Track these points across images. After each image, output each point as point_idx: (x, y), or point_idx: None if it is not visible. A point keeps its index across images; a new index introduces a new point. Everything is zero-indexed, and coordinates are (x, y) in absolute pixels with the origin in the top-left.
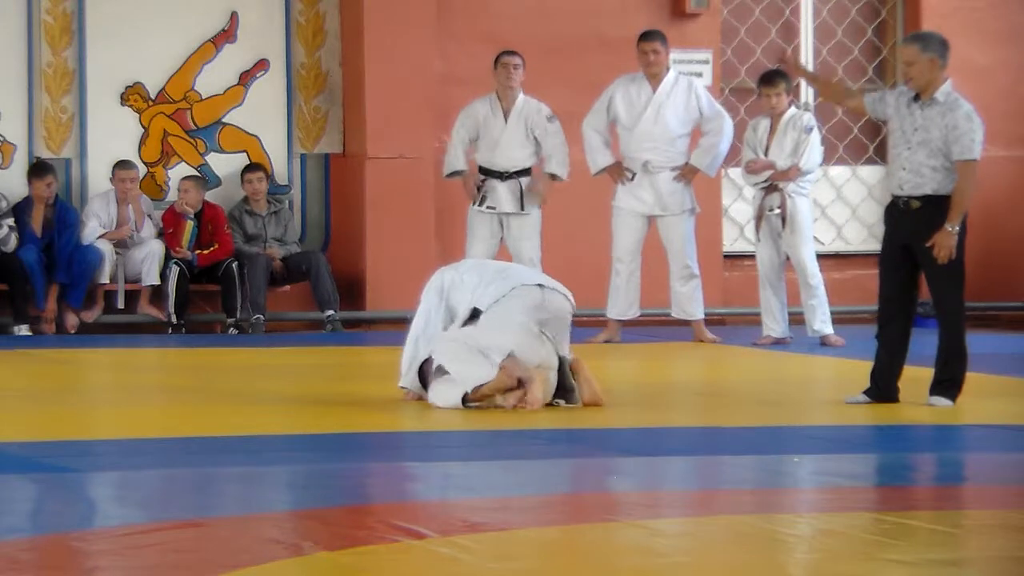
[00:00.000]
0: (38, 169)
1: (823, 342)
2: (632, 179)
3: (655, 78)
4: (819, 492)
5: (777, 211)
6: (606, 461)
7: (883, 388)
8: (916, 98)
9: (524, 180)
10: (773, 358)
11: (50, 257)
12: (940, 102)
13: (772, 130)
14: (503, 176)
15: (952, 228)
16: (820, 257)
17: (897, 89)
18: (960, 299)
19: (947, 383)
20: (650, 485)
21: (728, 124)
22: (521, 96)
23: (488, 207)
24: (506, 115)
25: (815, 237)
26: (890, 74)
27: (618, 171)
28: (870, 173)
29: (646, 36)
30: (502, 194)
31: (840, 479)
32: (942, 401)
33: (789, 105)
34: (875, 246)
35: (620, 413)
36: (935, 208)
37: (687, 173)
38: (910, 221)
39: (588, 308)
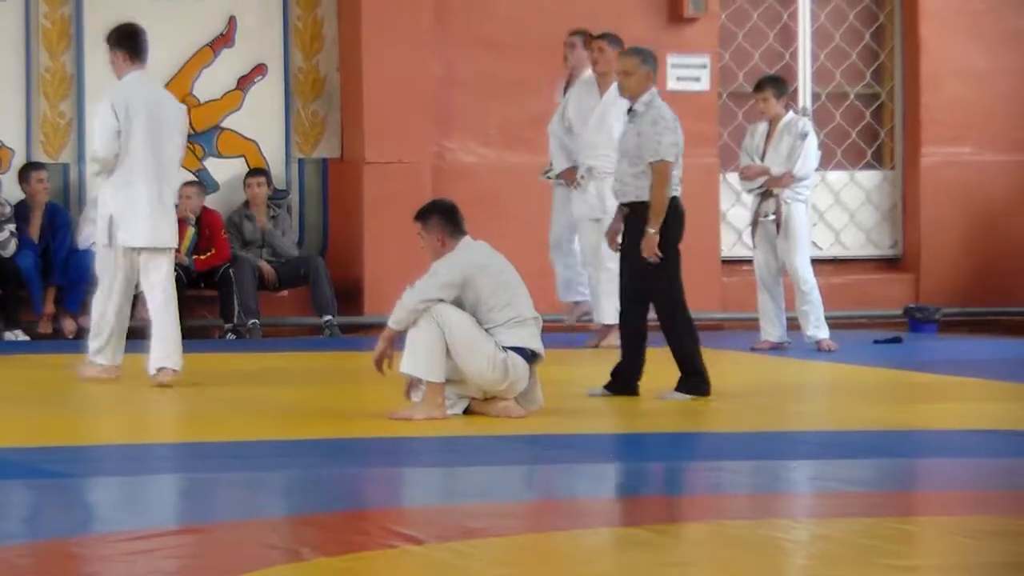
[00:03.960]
0: (30, 166)
1: (817, 347)
2: (581, 184)
3: (604, 79)
4: (817, 497)
5: (772, 216)
6: (603, 467)
7: (624, 382)
8: (629, 111)
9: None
10: (769, 363)
11: (47, 261)
12: (639, 112)
13: (769, 135)
14: None
15: (651, 230)
16: (818, 262)
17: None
18: (673, 293)
19: (688, 375)
20: (646, 490)
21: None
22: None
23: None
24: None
25: (813, 242)
26: (888, 78)
27: (571, 176)
28: (868, 178)
29: (597, 36)
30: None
31: (838, 484)
32: (678, 396)
33: (787, 110)
34: (873, 251)
35: (616, 419)
36: (639, 213)
37: None
38: (626, 227)
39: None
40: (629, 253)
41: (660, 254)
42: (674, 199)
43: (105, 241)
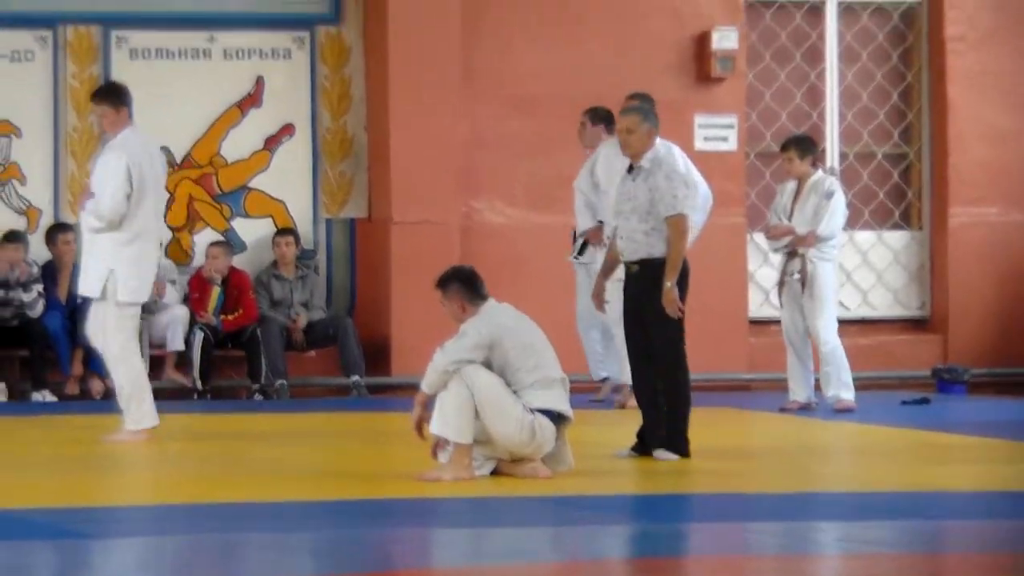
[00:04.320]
0: (58, 227)
1: (835, 407)
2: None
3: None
4: (844, 559)
5: (797, 276)
6: (630, 528)
7: (646, 442)
8: (629, 170)
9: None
10: (796, 423)
11: (74, 322)
12: (646, 168)
13: (797, 194)
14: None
15: (669, 284)
16: (845, 322)
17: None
18: (676, 349)
19: (672, 435)
20: (674, 552)
21: (703, 196)
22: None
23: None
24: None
25: (840, 302)
26: (915, 139)
27: (597, 235)
28: (896, 238)
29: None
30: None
31: (865, 545)
32: (667, 455)
33: (815, 170)
34: (901, 312)
35: (643, 479)
36: (651, 270)
37: None
38: (633, 285)
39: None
40: (638, 311)
41: (682, 308)
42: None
43: (98, 295)
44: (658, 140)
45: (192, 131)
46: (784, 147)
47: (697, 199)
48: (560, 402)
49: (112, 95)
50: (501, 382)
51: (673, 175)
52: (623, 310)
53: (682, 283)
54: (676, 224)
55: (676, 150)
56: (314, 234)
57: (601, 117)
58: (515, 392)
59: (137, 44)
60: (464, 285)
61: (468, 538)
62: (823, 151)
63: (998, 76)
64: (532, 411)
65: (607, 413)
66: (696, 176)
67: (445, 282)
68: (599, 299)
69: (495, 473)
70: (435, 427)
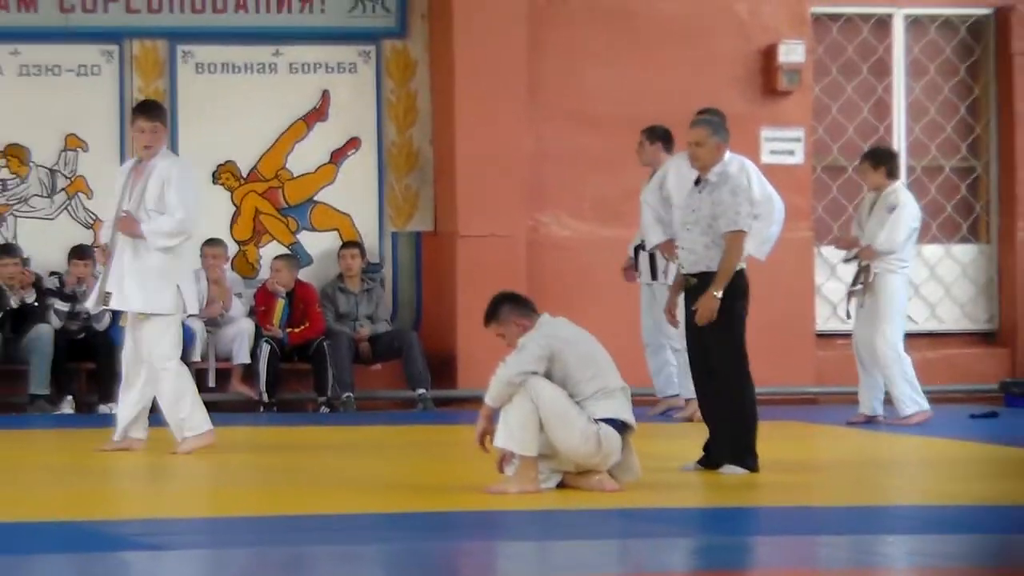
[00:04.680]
0: None
1: (893, 422)
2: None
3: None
4: (914, 572)
5: (860, 286)
6: (697, 540)
7: (712, 456)
8: (697, 182)
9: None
10: (864, 437)
11: None
12: (712, 182)
13: (872, 205)
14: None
15: (716, 293)
16: (914, 336)
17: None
18: (738, 363)
19: (738, 450)
20: (742, 565)
21: (778, 209)
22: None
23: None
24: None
25: (909, 316)
26: (983, 152)
27: (669, 248)
28: (964, 252)
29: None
30: (643, 266)
31: (935, 560)
32: (735, 470)
33: (892, 181)
34: (969, 325)
35: (709, 492)
36: (709, 284)
37: None
38: (692, 298)
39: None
40: (697, 326)
41: (715, 319)
42: (742, 271)
43: (172, 311)
44: (731, 155)
45: (258, 145)
46: (860, 159)
47: (772, 212)
48: (623, 411)
49: (162, 112)
50: (564, 394)
51: (739, 191)
52: (685, 324)
53: (742, 298)
54: (733, 240)
55: (749, 165)
56: (380, 247)
57: (659, 136)
58: (577, 403)
59: (203, 59)
60: (514, 304)
61: (534, 551)
62: (896, 163)
63: None
64: (596, 421)
65: (673, 426)
66: (770, 189)
67: (494, 310)
68: (671, 314)
69: (561, 486)
70: (500, 440)
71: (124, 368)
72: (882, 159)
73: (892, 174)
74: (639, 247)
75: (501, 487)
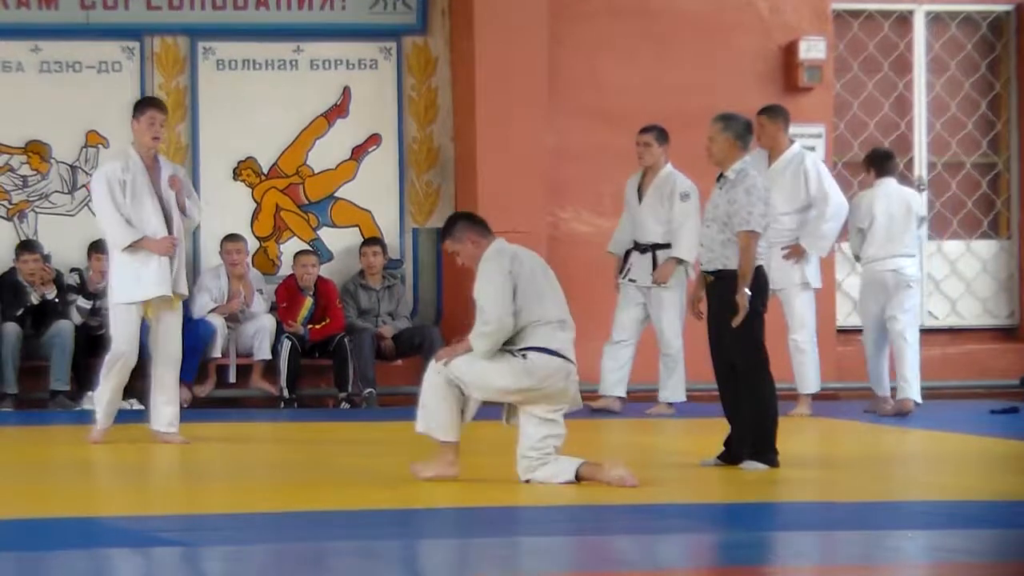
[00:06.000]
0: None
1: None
2: None
3: (775, 152)
4: (935, 567)
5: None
6: (717, 536)
7: (733, 452)
8: (718, 179)
9: (661, 254)
10: (884, 431)
11: None
12: (730, 179)
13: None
14: (643, 249)
15: (747, 291)
16: (934, 331)
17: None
18: (757, 360)
19: (759, 446)
20: (761, 561)
21: (833, 207)
22: (664, 171)
23: (629, 279)
24: (644, 189)
25: (929, 312)
26: (1004, 147)
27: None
28: (984, 247)
29: (763, 111)
30: (640, 266)
31: (956, 555)
32: (755, 466)
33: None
34: (990, 321)
35: (730, 488)
36: (726, 282)
37: (795, 252)
38: (710, 296)
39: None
40: (716, 321)
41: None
42: (760, 268)
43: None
44: (796, 149)
45: (279, 141)
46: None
47: (829, 208)
48: (553, 341)
49: (165, 107)
50: (473, 356)
51: (753, 191)
52: (707, 321)
53: (761, 294)
54: (745, 239)
55: (811, 161)
56: (401, 244)
57: (667, 138)
58: (521, 328)
59: (224, 55)
60: (470, 221)
61: (555, 546)
62: (911, 160)
63: None
64: (522, 352)
65: (697, 422)
66: (828, 187)
67: (450, 227)
68: (696, 308)
69: (579, 480)
70: (420, 426)
71: (155, 362)
72: (874, 161)
73: (880, 174)
74: (632, 249)
75: (417, 469)
